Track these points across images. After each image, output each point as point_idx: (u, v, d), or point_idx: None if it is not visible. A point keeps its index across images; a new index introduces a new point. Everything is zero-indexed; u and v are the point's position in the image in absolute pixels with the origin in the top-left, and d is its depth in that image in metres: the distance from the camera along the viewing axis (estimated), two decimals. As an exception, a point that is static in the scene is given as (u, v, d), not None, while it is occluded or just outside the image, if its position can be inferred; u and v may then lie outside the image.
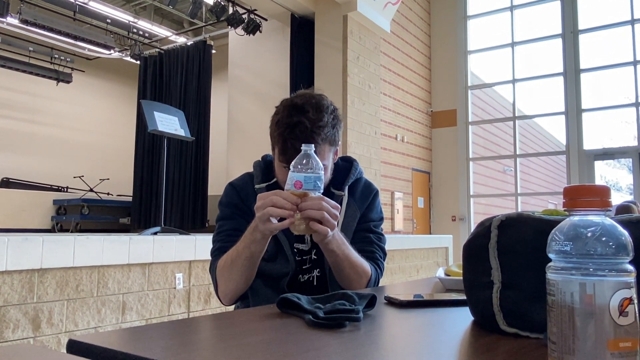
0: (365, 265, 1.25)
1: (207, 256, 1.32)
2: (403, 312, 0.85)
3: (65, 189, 9.43)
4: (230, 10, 7.20)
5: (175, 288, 3.05)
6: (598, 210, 0.47)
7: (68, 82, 9.59)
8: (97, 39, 8.40)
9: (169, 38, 10.00)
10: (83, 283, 2.59)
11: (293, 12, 7.18)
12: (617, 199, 8.38)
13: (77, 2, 8.25)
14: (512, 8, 8.93)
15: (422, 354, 0.61)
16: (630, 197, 7.96)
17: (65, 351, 0.59)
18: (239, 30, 7.35)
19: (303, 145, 1.03)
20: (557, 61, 8.40)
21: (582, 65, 8.19)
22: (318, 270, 1.31)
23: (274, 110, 1.26)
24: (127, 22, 9.25)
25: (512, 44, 8.88)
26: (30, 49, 9.12)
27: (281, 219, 1.03)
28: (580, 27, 8.28)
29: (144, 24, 9.45)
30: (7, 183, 8.87)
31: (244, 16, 7.29)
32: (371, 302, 0.81)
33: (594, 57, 8.35)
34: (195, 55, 8.35)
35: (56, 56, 9.43)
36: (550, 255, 0.47)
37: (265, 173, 1.34)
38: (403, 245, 5.40)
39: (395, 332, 0.76)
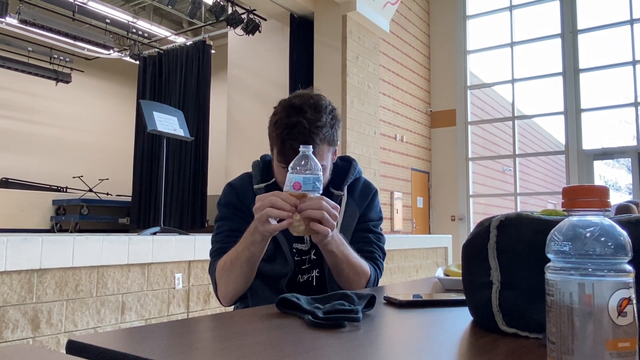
0: (365, 265, 1.25)
1: (207, 256, 1.32)
2: (402, 312, 0.85)
3: (65, 189, 9.43)
4: (230, 10, 7.20)
5: (174, 288, 3.05)
6: (597, 210, 0.47)
7: (67, 82, 9.58)
8: (96, 39, 8.39)
9: (168, 38, 10.00)
10: (82, 283, 2.59)
11: (292, 12, 7.18)
12: (616, 198, 8.39)
13: (76, 2, 8.24)
14: (511, 8, 8.94)
15: (421, 354, 0.61)
16: (629, 197, 7.97)
17: (64, 351, 0.59)
18: (238, 30, 7.35)
19: (301, 146, 1.02)
20: (556, 61, 8.40)
21: (581, 65, 8.20)
22: (317, 270, 1.31)
23: (273, 111, 1.26)
24: (126, 22, 9.25)
25: (512, 44, 8.88)
26: (30, 49, 9.12)
27: (280, 220, 1.03)
28: (580, 27, 8.28)
29: (143, 24, 9.45)
30: (6, 183, 8.87)
31: (243, 16, 7.29)
32: (370, 302, 0.81)
33: (593, 56, 8.36)
34: (195, 55, 8.34)
35: (55, 56, 9.42)
36: (549, 256, 0.47)
37: (264, 173, 1.34)
38: (402, 245, 5.40)
39: (394, 333, 0.76)
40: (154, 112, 4.14)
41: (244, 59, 8.32)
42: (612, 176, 10.02)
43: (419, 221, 8.79)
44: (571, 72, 8.20)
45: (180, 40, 9.94)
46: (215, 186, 7.60)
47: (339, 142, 1.29)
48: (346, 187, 1.35)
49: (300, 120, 1.18)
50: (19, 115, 9.65)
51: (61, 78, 9.46)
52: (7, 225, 7.63)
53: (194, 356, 0.56)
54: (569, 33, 8.28)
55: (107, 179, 9.22)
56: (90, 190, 8.90)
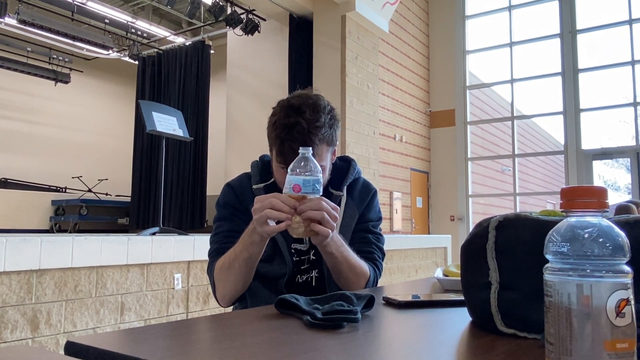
0: (364, 266, 1.25)
1: (206, 256, 1.32)
2: (401, 313, 0.85)
3: (64, 190, 9.42)
4: (229, 11, 7.20)
5: (173, 288, 3.05)
6: (595, 211, 0.47)
7: (66, 82, 9.58)
8: (95, 39, 8.39)
9: (168, 38, 10.00)
10: (81, 284, 2.59)
11: (291, 12, 7.18)
12: (615, 198, 8.40)
13: (75, 2, 8.23)
14: (510, 8, 8.94)
15: (420, 355, 0.61)
16: (628, 197, 7.97)
17: (63, 352, 0.59)
18: (238, 30, 7.35)
19: (301, 148, 1.02)
20: (555, 61, 8.41)
21: (580, 65, 8.21)
22: (316, 271, 1.30)
23: (272, 111, 1.26)
24: (126, 22, 9.24)
25: (511, 44, 8.89)
26: (29, 49, 9.11)
27: (279, 222, 1.03)
28: (579, 27, 8.29)
29: (142, 24, 9.44)
30: (5, 183, 8.86)
31: (242, 16, 7.29)
32: (369, 302, 0.81)
33: (592, 56, 8.36)
34: (194, 56, 8.34)
35: (54, 56, 9.42)
36: (548, 257, 0.47)
37: (263, 173, 1.34)
38: (402, 245, 5.40)
39: (393, 333, 0.76)
40: (153, 112, 4.14)
41: (243, 59, 8.32)
42: (611, 176, 10.04)
43: (418, 221, 8.79)
44: (570, 72, 8.20)
45: (179, 40, 9.94)
46: (214, 186, 7.60)
47: (338, 143, 1.29)
48: (345, 187, 1.35)
49: (299, 120, 1.17)
50: (18, 115, 9.65)
51: (60, 78, 9.45)
52: (6, 226, 7.63)
53: (193, 357, 0.56)
54: (568, 33, 8.29)
55: (107, 179, 9.22)
56: (90, 190, 8.90)
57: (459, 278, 0.79)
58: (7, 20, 7.88)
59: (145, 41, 9.57)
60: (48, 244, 2.42)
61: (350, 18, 6.81)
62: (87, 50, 9.60)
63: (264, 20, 7.58)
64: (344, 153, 6.06)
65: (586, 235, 0.45)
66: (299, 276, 1.30)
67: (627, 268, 0.45)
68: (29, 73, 9.07)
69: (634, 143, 7.97)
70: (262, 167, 1.35)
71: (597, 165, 8.37)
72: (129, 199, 8.84)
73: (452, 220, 8.94)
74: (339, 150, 1.36)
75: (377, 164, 7.33)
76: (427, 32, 9.47)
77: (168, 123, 4.24)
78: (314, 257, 1.30)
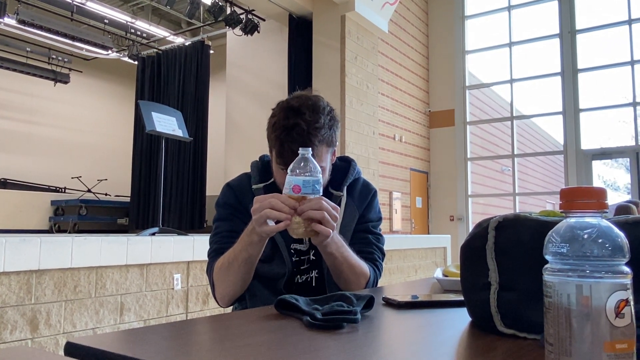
0: (364, 266, 1.25)
1: (205, 257, 1.32)
2: (401, 313, 0.85)
3: (63, 190, 9.42)
4: (228, 11, 7.20)
5: (173, 289, 3.05)
6: (594, 212, 0.47)
7: (66, 82, 9.57)
8: (94, 39, 8.38)
9: (167, 38, 10.00)
10: (81, 284, 2.59)
11: (291, 13, 7.18)
12: (614, 198, 8.41)
13: (74, 3, 8.23)
14: (509, 8, 8.95)
15: (420, 355, 0.61)
16: (628, 197, 7.98)
17: (62, 353, 0.59)
18: (237, 30, 7.34)
19: (300, 149, 1.02)
20: (555, 61, 8.41)
21: (580, 65, 8.21)
22: (316, 271, 1.30)
23: (271, 112, 1.26)
24: (125, 22, 9.24)
25: (510, 44, 8.90)
26: (28, 49, 9.11)
27: (278, 222, 1.03)
28: (578, 27, 8.29)
29: (142, 24, 9.44)
30: (4, 184, 8.86)
31: (241, 16, 7.29)
32: (369, 303, 0.81)
33: (592, 56, 8.37)
34: (193, 56, 8.34)
35: (54, 56, 9.41)
36: (547, 257, 0.47)
37: (263, 173, 1.34)
38: (401, 245, 5.40)
39: (393, 333, 0.76)
40: (153, 113, 4.13)
41: (242, 59, 8.32)
42: (611, 176, 10.05)
43: (418, 221, 8.79)
44: (570, 72, 8.21)
45: (178, 40, 9.94)
46: (214, 186, 7.60)
47: (337, 143, 1.29)
48: (345, 187, 1.35)
49: (299, 122, 1.17)
50: (18, 115, 9.64)
51: (59, 78, 9.45)
52: (5, 226, 7.62)
53: (193, 358, 0.56)
54: (568, 33, 8.30)
55: (106, 179, 9.21)
56: (89, 190, 8.90)
57: (459, 278, 0.79)
58: (7, 20, 7.87)
59: (144, 41, 9.57)
60: (47, 244, 2.42)
61: (350, 18, 6.81)
62: (87, 50, 9.60)
63: (264, 20, 7.58)
64: (343, 153, 6.07)
65: (585, 236, 0.45)
66: (298, 276, 1.30)
67: (626, 269, 0.45)
68: (28, 73, 9.07)
69: (633, 143, 7.97)
70: (262, 167, 1.35)
71: (597, 165, 8.38)
72: (128, 199, 8.83)
73: (451, 221, 8.94)
74: (338, 151, 1.36)
75: (377, 164, 7.33)
76: (427, 32, 9.48)
77: (167, 123, 4.23)
78: (313, 258, 1.30)
